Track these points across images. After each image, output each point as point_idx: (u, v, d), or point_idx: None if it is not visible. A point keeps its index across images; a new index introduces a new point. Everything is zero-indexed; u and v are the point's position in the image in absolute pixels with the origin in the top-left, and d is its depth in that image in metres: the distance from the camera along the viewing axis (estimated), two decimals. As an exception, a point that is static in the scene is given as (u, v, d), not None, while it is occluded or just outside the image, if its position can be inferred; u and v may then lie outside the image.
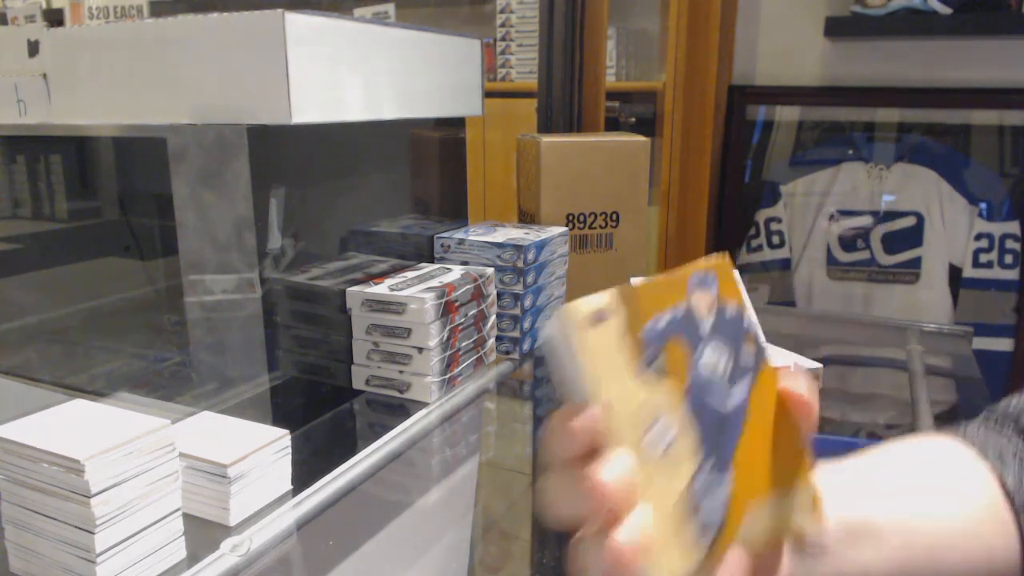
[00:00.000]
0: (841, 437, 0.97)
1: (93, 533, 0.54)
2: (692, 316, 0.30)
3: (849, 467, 0.44)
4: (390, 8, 2.41)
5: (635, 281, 0.31)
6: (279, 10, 0.78)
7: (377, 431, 0.86)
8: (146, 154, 0.91)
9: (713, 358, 0.30)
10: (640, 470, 0.28)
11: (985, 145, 1.96)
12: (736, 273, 0.34)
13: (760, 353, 0.32)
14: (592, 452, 0.29)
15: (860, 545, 0.40)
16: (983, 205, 1.93)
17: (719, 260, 0.33)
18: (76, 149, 1.00)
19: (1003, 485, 0.44)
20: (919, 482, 0.45)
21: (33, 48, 0.97)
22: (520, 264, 1.06)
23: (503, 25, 2.48)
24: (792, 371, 0.31)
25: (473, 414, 0.95)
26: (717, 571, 0.30)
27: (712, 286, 0.31)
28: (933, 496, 0.44)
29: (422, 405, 0.92)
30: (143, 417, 0.59)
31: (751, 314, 0.33)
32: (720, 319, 0.31)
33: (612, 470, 0.28)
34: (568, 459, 0.29)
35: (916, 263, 1.98)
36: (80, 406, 0.61)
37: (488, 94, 1.20)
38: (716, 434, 0.30)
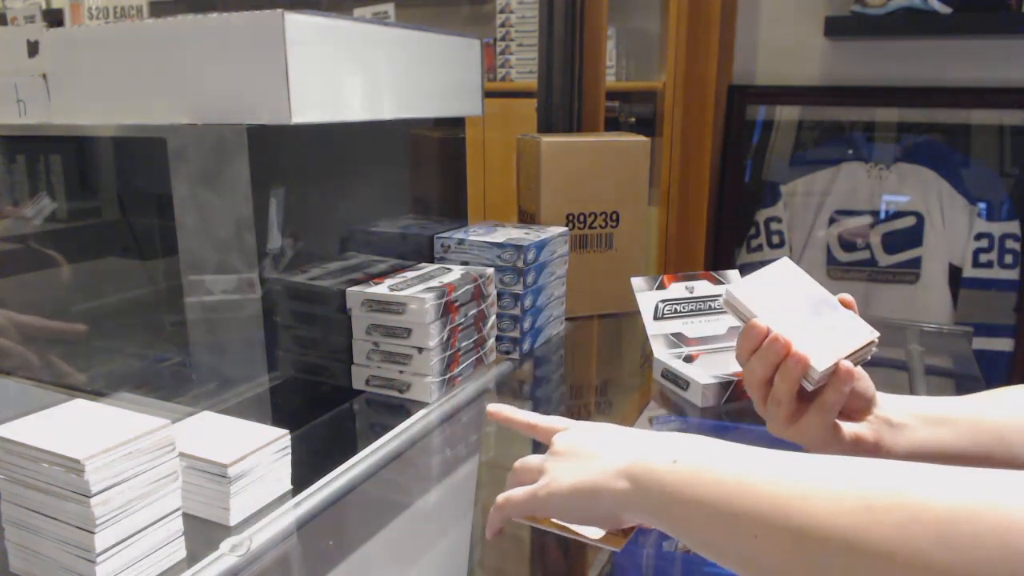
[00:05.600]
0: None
1: (93, 533, 0.54)
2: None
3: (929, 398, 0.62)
4: (390, 8, 2.41)
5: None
6: (279, 10, 0.78)
7: (377, 431, 0.86)
8: (146, 154, 0.91)
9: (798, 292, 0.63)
10: (788, 333, 0.59)
11: (985, 145, 1.96)
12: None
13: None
14: (763, 339, 0.59)
15: (937, 429, 0.57)
16: (983, 205, 1.93)
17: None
18: (76, 149, 1.00)
19: None
20: (987, 394, 0.60)
21: (33, 48, 0.97)
22: (520, 264, 1.06)
23: (503, 25, 2.48)
24: None
25: (473, 414, 0.95)
26: (841, 365, 0.57)
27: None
28: (999, 398, 0.58)
29: (422, 405, 0.92)
30: (143, 417, 0.59)
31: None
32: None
33: (778, 331, 0.58)
34: (754, 347, 0.59)
35: (916, 263, 1.98)
36: (80, 406, 0.61)
37: (488, 94, 1.20)
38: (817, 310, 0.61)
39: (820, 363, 0.57)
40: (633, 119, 2.37)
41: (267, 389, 0.88)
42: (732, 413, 0.94)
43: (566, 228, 1.19)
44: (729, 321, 1.05)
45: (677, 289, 1.06)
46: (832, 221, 2.04)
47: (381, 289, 0.92)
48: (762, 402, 0.60)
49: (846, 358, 0.58)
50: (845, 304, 0.63)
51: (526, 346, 1.10)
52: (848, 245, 2.03)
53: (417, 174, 1.15)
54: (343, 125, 0.89)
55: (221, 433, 0.70)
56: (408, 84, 1.00)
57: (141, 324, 1.00)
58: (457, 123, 1.19)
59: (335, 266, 0.96)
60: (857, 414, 0.59)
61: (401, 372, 0.93)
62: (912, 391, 1.01)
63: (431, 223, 1.14)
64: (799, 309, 0.61)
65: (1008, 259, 1.90)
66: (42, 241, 1.06)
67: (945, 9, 1.82)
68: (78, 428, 0.57)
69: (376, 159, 1.05)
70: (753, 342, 0.59)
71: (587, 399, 1.13)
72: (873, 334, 0.61)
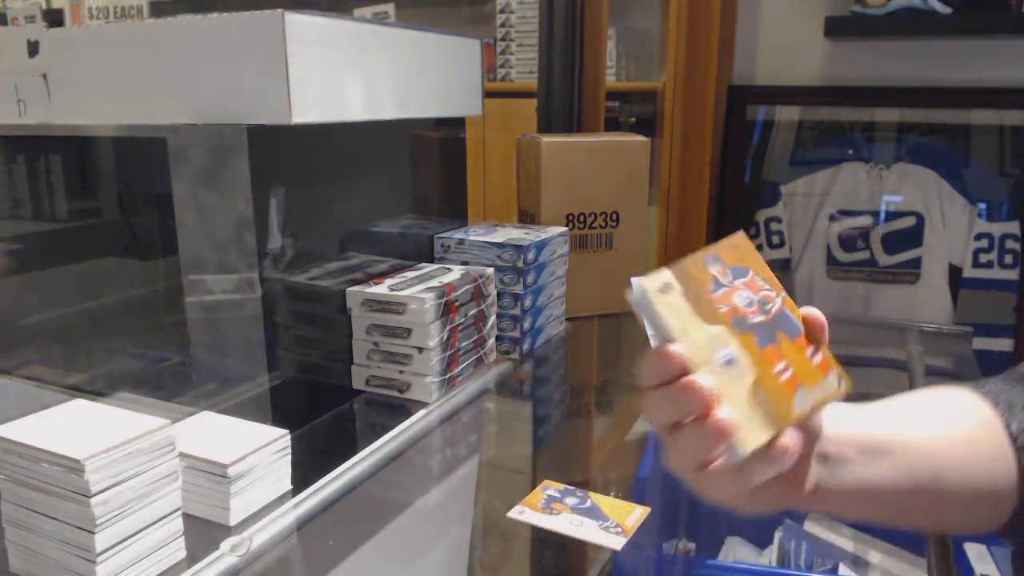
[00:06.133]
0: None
1: (93, 533, 0.54)
2: (719, 281, 0.45)
3: (869, 406, 0.52)
4: (390, 8, 2.41)
5: (676, 265, 0.44)
6: (279, 10, 0.78)
7: (377, 431, 0.86)
8: (146, 154, 0.91)
9: (743, 298, 0.45)
10: (717, 380, 0.42)
11: (985, 145, 1.95)
12: (745, 242, 0.47)
13: (777, 293, 0.47)
14: (680, 374, 0.42)
15: (873, 462, 0.48)
16: (983, 205, 1.93)
17: (730, 241, 0.47)
18: (76, 149, 1.00)
19: (1007, 428, 0.51)
20: (927, 415, 0.53)
21: (33, 48, 0.97)
22: (520, 264, 1.06)
23: (503, 25, 2.48)
24: (807, 307, 0.47)
25: (473, 414, 0.95)
26: (780, 440, 0.43)
27: (719, 262, 0.46)
28: (939, 429, 0.52)
29: (422, 405, 0.92)
30: (143, 417, 0.59)
31: (762, 269, 0.47)
32: (737, 276, 0.46)
33: (703, 378, 0.41)
34: (663, 381, 0.42)
35: (916, 263, 1.98)
36: (80, 406, 0.61)
37: (488, 94, 1.20)
38: (763, 341, 0.45)
39: (748, 439, 0.41)
40: (633, 119, 2.37)
41: (267, 389, 0.88)
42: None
43: (566, 228, 1.19)
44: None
45: (677, 289, 1.06)
46: (832, 221, 2.04)
47: (381, 289, 0.92)
48: (665, 432, 0.44)
49: (792, 425, 0.43)
50: (810, 325, 0.46)
51: (526, 346, 1.10)
52: (848, 245, 2.03)
53: (417, 174, 1.15)
54: (343, 125, 0.89)
55: (221, 433, 0.70)
56: (408, 84, 1.00)
57: (141, 324, 1.00)
58: (457, 123, 1.19)
59: (335, 266, 0.96)
60: (794, 471, 0.45)
61: (401, 372, 0.93)
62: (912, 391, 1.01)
63: (431, 223, 1.14)
64: (739, 325, 0.44)
65: (1008, 259, 1.90)
66: (42, 241, 1.06)
67: (945, 9, 1.82)
68: (78, 428, 0.57)
69: (376, 159, 1.05)
70: (662, 376, 0.42)
71: (587, 399, 1.13)
72: (841, 385, 0.46)
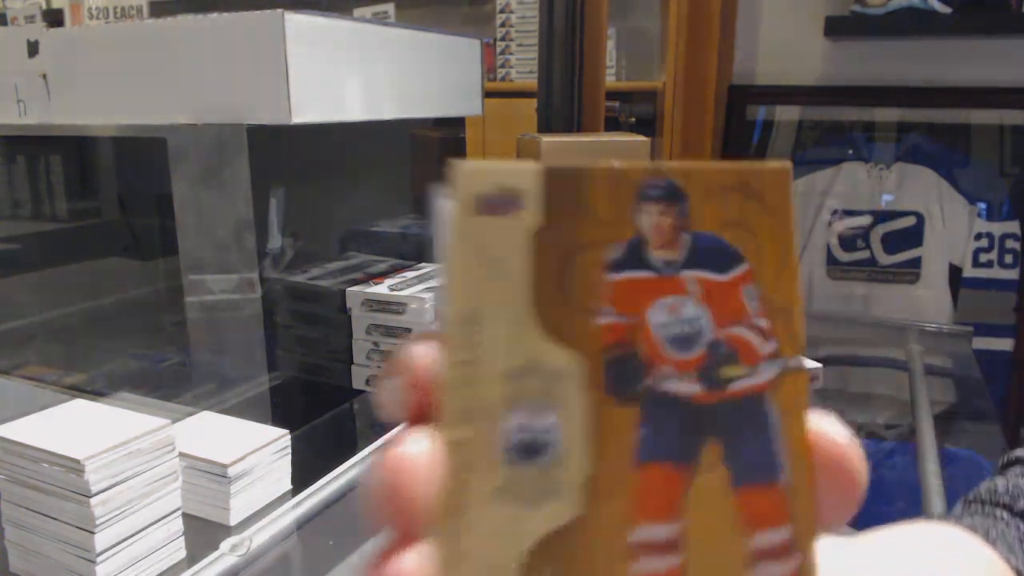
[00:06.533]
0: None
1: (93, 533, 0.54)
2: (645, 256, 0.18)
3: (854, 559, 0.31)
4: (390, 8, 2.41)
5: (569, 167, 0.18)
6: (279, 10, 0.78)
7: (377, 431, 0.86)
8: (146, 154, 0.91)
9: (675, 321, 0.18)
10: (474, 479, 0.17)
11: (985, 145, 1.95)
12: (782, 186, 0.21)
13: (780, 346, 0.18)
14: (423, 415, 0.18)
15: None
16: (983, 205, 1.93)
17: (761, 167, 0.20)
18: (76, 149, 1.00)
19: (1017, 573, 0.40)
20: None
21: (33, 48, 0.97)
22: (520, 264, 1.06)
23: (503, 25, 2.48)
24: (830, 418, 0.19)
25: (473, 414, 0.95)
26: None
27: (678, 201, 0.18)
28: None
29: (422, 405, 0.92)
30: (143, 417, 0.59)
31: (779, 272, 0.19)
32: (699, 257, 0.18)
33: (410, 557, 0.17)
34: (404, 413, 0.18)
35: (916, 263, 1.98)
36: (80, 406, 0.61)
37: (488, 94, 1.20)
38: (651, 450, 0.18)
39: None
40: (633, 119, 2.37)
41: (267, 389, 0.88)
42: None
43: (566, 228, 1.19)
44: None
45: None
46: (832, 221, 2.04)
47: (381, 289, 0.92)
48: None
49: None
50: (825, 469, 0.19)
51: (526, 346, 1.10)
52: (848, 245, 2.03)
53: (417, 174, 1.15)
54: (343, 125, 0.89)
55: (221, 433, 0.70)
56: (408, 84, 1.00)
57: (141, 324, 1.00)
58: (457, 123, 1.19)
59: (335, 266, 0.96)
60: None
61: (401, 372, 0.93)
62: (912, 391, 1.01)
63: (431, 223, 1.14)
64: (618, 380, 0.18)
65: (1008, 259, 1.90)
66: (42, 241, 1.06)
67: (945, 9, 1.82)
68: (78, 428, 0.57)
69: (376, 159, 1.05)
70: (393, 396, 0.19)
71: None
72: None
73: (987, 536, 0.40)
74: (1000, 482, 0.44)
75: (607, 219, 0.18)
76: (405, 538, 0.17)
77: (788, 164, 0.20)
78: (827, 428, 0.18)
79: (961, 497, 0.44)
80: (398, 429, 0.18)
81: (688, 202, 0.18)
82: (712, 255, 0.18)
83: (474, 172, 0.18)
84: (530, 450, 0.17)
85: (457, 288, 0.18)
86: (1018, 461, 0.47)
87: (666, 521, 0.18)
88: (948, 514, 0.43)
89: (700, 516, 0.18)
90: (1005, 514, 0.42)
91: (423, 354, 0.18)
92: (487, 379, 0.17)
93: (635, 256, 0.18)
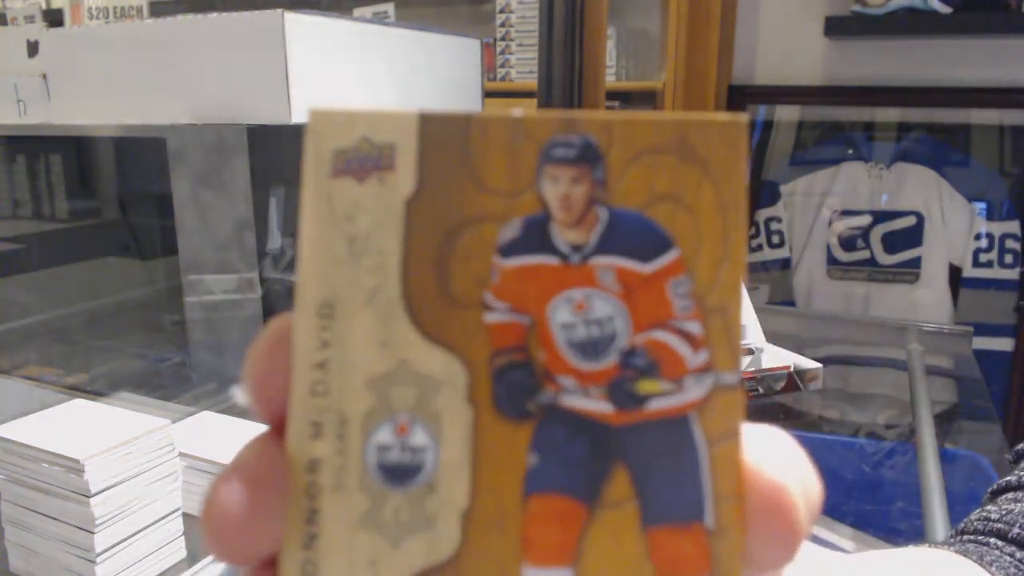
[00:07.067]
0: (840, 437, 0.97)
1: (93, 533, 0.54)
2: (549, 239, 0.14)
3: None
4: (390, 8, 2.41)
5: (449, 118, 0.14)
6: (279, 10, 0.78)
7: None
8: (146, 154, 0.91)
9: (568, 318, 0.14)
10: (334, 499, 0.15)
11: (985, 145, 1.95)
12: (740, 142, 0.15)
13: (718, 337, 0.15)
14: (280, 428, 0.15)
15: None
16: (983, 205, 1.93)
17: (688, 118, 0.15)
18: (76, 149, 1.00)
19: None
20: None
21: (33, 48, 0.97)
22: (520, 264, 1.05)
23: (503, 25, 2.48)
24: (772, 436, 0.15)
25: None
26: None
27: (601, 165, 0.14)
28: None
29: (422, 405, 0.92)
30: (143, 417, 0.59)
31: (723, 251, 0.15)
32: (617, 240, 0.15)
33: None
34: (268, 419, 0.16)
35: (916, 263, 1.98)
36: (80, 406, 0.61)
37: (488, 94, 1.20)
38: (542, 482, 0.15)
39: None
40: (633, 119, 2.37)
41: (267, 389, 0.88)
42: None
43: (566, 228, 1.19)
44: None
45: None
46: (832, 220, 2.04)
47: (381, 289, 0.92)
48: None
49: None
50: (758, 508, 0.15)
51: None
52: (848, 245, 2.03)
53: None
54: (343, 125, 0.89)
55: (221, 433, 0.70)
56: (408, 84, 1.00)
57: (141, 324, 1.00)
58: (457, 123, 1.19)
59: (335, 266, 0.96)
60: None
61: (401, 372, 0.93)
62: (912, 391, 1.01)
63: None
64: (506, 395, 0.15)
65: (1008, 259, 1.90)
66: (42, 241, 1.06)
67: (945, 9, 1.82)
68: (78, 428, 0.57)
69: (376, 159, 1.05)
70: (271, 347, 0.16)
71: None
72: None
73: (982, 560, 0.40)
74: (992, 509, 0.43)
75: (500, 186, 0.14)
76: (276, 431, 0.15)
77: (743, 117, 0.15)
78: (765, 459, 0.15)
79: (952, 527, 0.42)
80: None
81: (607, 166, 0.14)
82: (634, 238, 0.14)
83: (331, 120, 0.14)
84: (398, 473, 0.14)
85: (309, 270, 0.15)
86: None
87: (558, 565, 0.14)
88: (941, 543, 0.43)
89: (600, 561, 0.14)
90: (999, 542, 0.42)
91: (271, 350, 0.15)
92: (346, 386, 0.14)
93: (535, 236, 0.14)
